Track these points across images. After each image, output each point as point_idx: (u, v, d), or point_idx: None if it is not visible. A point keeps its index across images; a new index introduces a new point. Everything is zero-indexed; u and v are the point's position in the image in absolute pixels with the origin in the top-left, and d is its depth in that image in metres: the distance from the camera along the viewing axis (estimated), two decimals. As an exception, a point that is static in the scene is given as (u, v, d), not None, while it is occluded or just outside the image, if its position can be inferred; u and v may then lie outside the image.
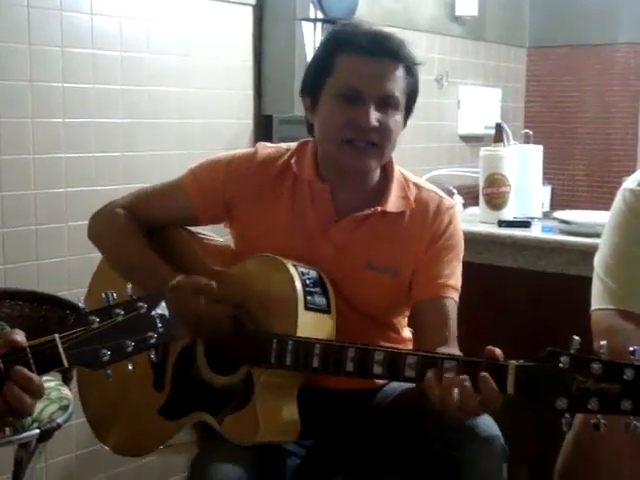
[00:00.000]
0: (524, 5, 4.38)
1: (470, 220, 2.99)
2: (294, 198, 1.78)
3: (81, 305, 1.21)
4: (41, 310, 2.31)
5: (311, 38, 3.00)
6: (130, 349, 1.20)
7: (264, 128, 3.05)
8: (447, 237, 1.77)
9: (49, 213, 2.49)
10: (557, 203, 3.24)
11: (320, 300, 1.65)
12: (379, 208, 1.75)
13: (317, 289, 1.65)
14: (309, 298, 1.62)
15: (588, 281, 2.56)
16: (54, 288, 2.42)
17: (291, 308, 1.60)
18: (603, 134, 4.29)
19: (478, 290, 2.83)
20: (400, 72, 1.69)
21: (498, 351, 1.41)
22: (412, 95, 1.74)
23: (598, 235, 2.50)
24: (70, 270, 2.53)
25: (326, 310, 1.65)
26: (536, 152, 2.87)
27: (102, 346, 1.19)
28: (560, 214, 2.69)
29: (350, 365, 1.52)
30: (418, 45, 3.74)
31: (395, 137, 1.71)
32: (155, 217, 1.85)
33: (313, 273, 1.68)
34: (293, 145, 1.85)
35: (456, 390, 1.38)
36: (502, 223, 2.72)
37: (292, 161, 1.79)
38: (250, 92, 3.04)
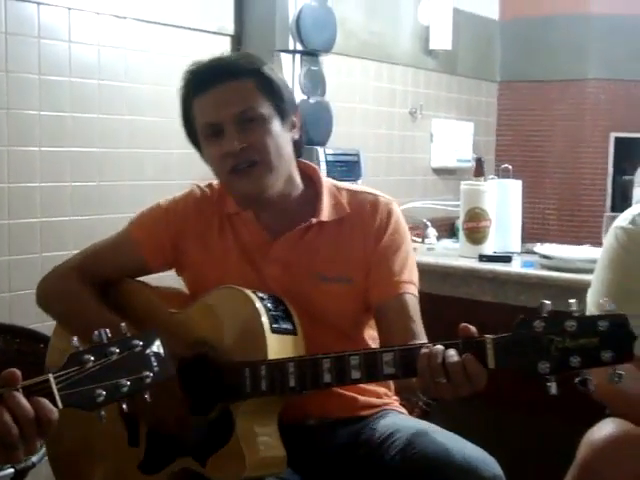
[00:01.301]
0: (495, 40, 4.42)
1: (445, 254, 2.98)
2: (231, 232, 1.77)
3: (75, 344, 1.17)
4: (14, 343, 2.25)
5: (290, 69, 2.99)
6: (125, 389, 1.16)
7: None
8: (390, 233, 1.75)
9: (23, 243, 2.43)
10: (527, 236, 3.24)
11: (285, 323, 1.61)
12: (314, 220, 1.73)
13: (279, 312, 1.62)
14: (274, 321, 1.59)
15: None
16: (27, 320, 2.35)
17: (258, 334, 1.56)
18: (573, 168, 4.33)
19: (456, 324, 2.82)
20: (245, 85, 1.67)
21: (472, 328, 1.40)
22: (276, 96, 1.70)
23: (579, 270, 2.52)
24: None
25: (292, 332, 1.62)
26: (515, 187, 2.87)
27: (97, 386, 1.15)
28: (541, 249, 2.69)
29: (327, 376, 1.49)
30: (393, 78, 3.78)
31: (277, 145, 1.68)
32: (105, 272, 1.82)
33: (273, 297, 1.65)
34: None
35: (445, 365, 1.37)
36: (483, 258, 2.71)
37: (217, 198, 1.80)
38: (227, 123, 3.01)
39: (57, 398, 1.13)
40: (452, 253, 2.93)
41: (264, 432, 1.59)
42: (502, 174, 2.95)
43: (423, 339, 1.65)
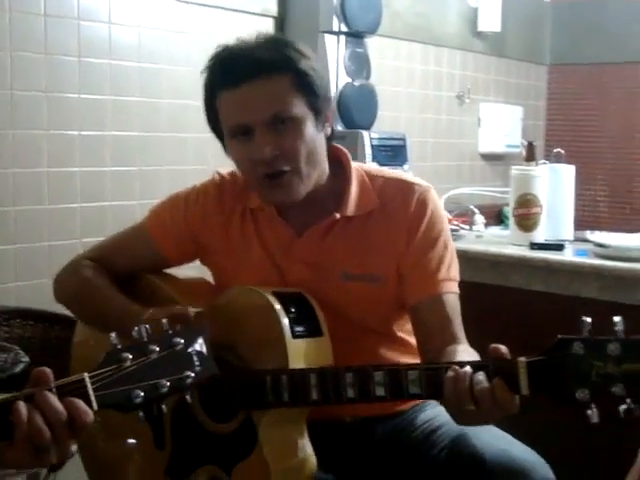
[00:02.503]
0: (546, 22, 4.31)
1: (495, 241, 2.89)
2: (253, 227, 1.67)
3: (113, 341, 1.10)
4: (53, 331, 2.22)
5: (334, 51, 2.92)
6: (165, 390, 1.09)
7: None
8: (425, 225, 1.59)
9: (63, 229, 2.40)
10: (578, 224, 3.14)
11: (308, 324, 1.51)
12: (337, 215, 1.60)
13: (302, 313, 1.52)
14: (295, 325, 1.49)
15: (623, 308, 2.47)
16: (67, 307, 2.33)
17: (278, 340, 1.46)
18: (626, 153, 4.21)
19: (508, 314, 2.74)
20: (279, 83, 1.51)
21: (503, 348, 1.28)
22: (314, 93, 1.54)
23: (635, 260, 2.42)
24: (83, 289, 2.43)
25: (316, 333, 1.52)
26: (568, 172, 2.77)
27: (135, 386, 1.08)
28: (594, 237, 2.59)
29: (351, 391, 1.39)
30: (440, 61, 3.69)
31: (309, 150, 1.53)
32: (123, 266, 1.74)
33: (295, 296, 1.55)
34: None
35: (473, 391, 1.25)
36: (534, 245, 2.62)
37: (240, 190, 1.68)
38: (270, 106, 2.95)
39: (92, 399, 1.07)
40: (502, 241, 2.84)
41: (289, 440, 1.51)
42: (554, 159, 2.85)
43: (463, 343, 1.54)
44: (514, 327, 2.51)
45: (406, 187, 1.62)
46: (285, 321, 1.48)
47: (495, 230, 3.21)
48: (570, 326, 2.65)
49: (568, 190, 2.78)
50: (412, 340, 1.68)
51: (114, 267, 1.73)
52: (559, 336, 1.21)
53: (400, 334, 1.69)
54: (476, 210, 3.26)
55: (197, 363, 1.12)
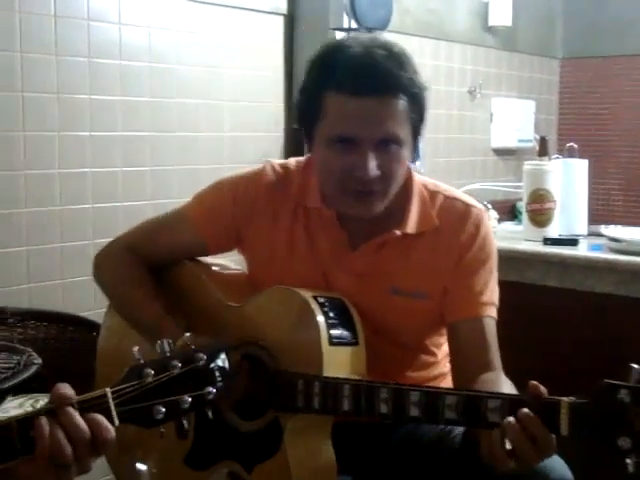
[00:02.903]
0: (557, 15, 4.28)
1: (508, 237, 2.88)
2: (305, 223, 1.64)
3: (136, 355, 1.10)
4: (67, 332, 2.22)
5: (345, 48, 2.90)
6: (187, 406, 1.09)
7: (295, 141, 2.96)
8: (477, 249, 1.60)
9: (75, 230, 2.39)
10: (592, 219, 3.13)
11: (345, 332, 1.51)
12: (397, 232, 1.59)
13: (341, 320, 1.51)
14: (333, 332, 1.48)
15: (638, 302, 2.45)
16: (80, 308, 2.33)
17: (314, 346, 1.46)
18: (639, 147, 4.17)
19: (522, 310, 2.73)
20: (399, 105, 1.47)
21: (542, 388, 1.26)
22: (419, 121, 1.53)
23: (650, 254, 2.41)
24: (96, 289, 2.42)
25: (353, 342, 1.51)
26: (581, 166, 2.75)
27: (157, 402, 1.08)
28: (609, 231, 2.58)
29: (384, 407, 1.37)
30: (451, 56, 3.67)
31: (401, 173, 1.53)
32: (162, 252, 1.73)
33: (335, 302, 1.54)
34: (302, 161, 1.69)
35: (512, 437, 1.22)
36: (548, 241, 2.61)
37: (297, 186, 1.64)
38: (281, 104, 2.95)
39: (114, 414, 1.07)
40: (515, 236, 2.83)
41: (313, 447, 1.51)
42: (567, 153, 2.83)
43: (499, 369, 1.54)
44: (529, 323, 2.50)
45: (463, 209, 1.62)
46: (323, 328, 1.47)
47: (508, 225, 3.20)
48: (584, 322, 2.63)
49: (581, 184, 2.77)
50: (439, 353, 1.70)
51: (152, 253, 1.72)
52: (605, 380, 1.19)
53: (430, 347, 1.70)
54: (489, 205, 3.25)
55: (219, 379, 1.11)
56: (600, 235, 2.63)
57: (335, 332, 1.48)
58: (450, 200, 1.64)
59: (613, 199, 4.23)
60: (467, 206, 1.63)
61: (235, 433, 1.55)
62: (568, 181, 2.71)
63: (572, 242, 2.60)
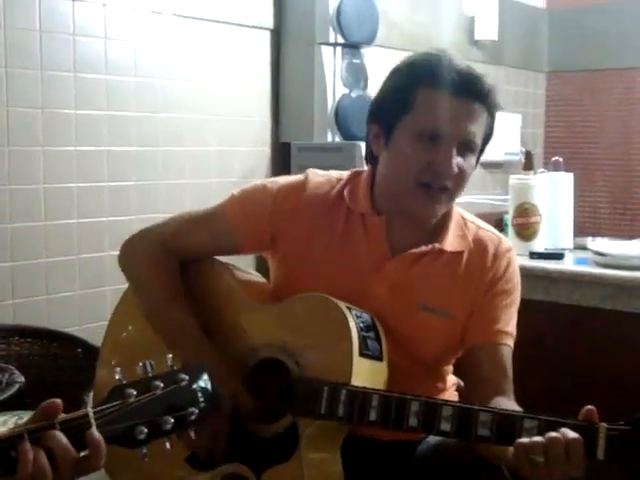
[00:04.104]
0: (542, 29, 4.30)
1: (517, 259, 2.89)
2: (346, 232, 1.66)
3: (117, 377, 1.10)
4: (52, 348, 2.22)
5: (331, 63, 2.91)
6: (169, 427, 1.09)
7: (282, 156, 2.96)
8: (505, 281, 1.66)
9: (60, 245, 2.39)
10: (578, 231, 3.14)
11: (374, 346, 1.52)
12: (437, 245, 1.64)
13: (371, 334, 1.53)
14: (364, 344, 1.49)
15: (623, 316, 2.46)
16: (65, 324, 2.33)
17: (345, 354, 1.46)
18: (625, 160, 4.19)
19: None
20: (484, 115, 1.58)
21: (595, 413, 1.28)
22: (489, 137, 1.64)
23: (636, 268, 2.41)
24: (81, 305, 2.43)
25: (379, 357, 1.53)
26: (566, 180, 2.77)
27: (139, 422, 1.08)
28: (594, 245, 2.58)
29: (414, 420, 1.38)
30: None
31: (468, 179, 1.61)
32: (193, 248, 1.72)
33: (366, 317, 1.55)
34: (344, 174, 1.72)
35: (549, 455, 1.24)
36: (534, 255, 2.61)
37: (345, 192, 1.67)
38: (267, 119, 2.95)
39: None
40: (501, 250, 2.83)
41: (327, 455, 1.50)
42: (552, 167, 2.84)
43: (512, 398, 1.56)
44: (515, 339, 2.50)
45: (497, 242, 1.69)
46: (356, 338, 1.48)
47: (495, 239, 3.20)
48: (572, 337, 2.63)
49: (567, 198, 2.78)
50: (448, 381, 1.74)
51: (182, 249, 1.71)
52: None
53: (443, 372, 1.73)
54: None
55: (201, 399, 1.12)
56: (586, 248, 2.64)
57: (365, 344, 1.50)
58: (483, 230, 1.71)
59: (599, 211, 4.25)
60: (499, 238, 1.71)
61: (248, 436, 1.54)
62: (553, 195, 2.72)
63: (558, 256, 2.61)
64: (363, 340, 1.49)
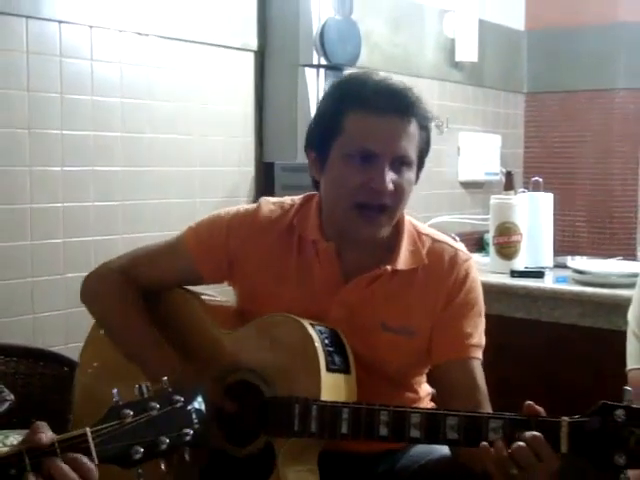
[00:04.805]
0: (522, 51, 4.36)
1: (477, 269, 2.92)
2: (300, 257, 1.69)
3: (115, 398, 1.13)
4: (37, 367, 2.22)
5: (314, 84, 2.95)
6: (164, 447, 1.12)
7: (265, 176, 2.99)
8: (465, 292, 1.66)
9: (46, 264, 2.39)
10: (557, 249, 3.19)
11: (340, 360, 1.55)
12: (388, 267, 1.65)
13: (336, 348, 1.56)
14: (330, 359, 1.52)
15: (603, 333, 2.50)
16: (50, 343, 2.33)
17: (313, 370, 1.49)
18: (603, 179, 4.24)
19: (490, 342, 2.76)
20: (413, 128, 1.58)
21: (539, 408, 1.32)
22: (425, 149, 1.64)
23: (615, 285, 2.45)
24: (67, 324, 2.43)
25: (346, 370, 1.55)
26: (546, 200, 2.81)
27: (135, 442, 1.11)
28: (574, 263, 2.63)
29: (384, 429, 1.42)
30: (419, 91, 3.72)
31: (408, 195, 1.62)
32: (155, 279, 1.76)
33: (330, 331, 1.58)
34: (297, 199, 1.76)
35: (520, 456, 1.28)
36: (514, 273, 2.65)
37: (294, 220, 1.70)
38: (251, 139, 2.98)
39: (94, 453, 1.09)
40: (482, 269, 2.87)
41: (304, 471, 1.53)
42: (532, 187, 2.89)
43: (488, 408, 1.58)
44: (496, 355, 2.53)
45: (453, 253, 1.68)
46: (323, 353, 1.51)
47: (476, 257, 3.23)
48: (553, 354, 2.67)
49: (547, 218, 2.82)
50: (421, 391, 1.76)
51: (145, 280, 1.74)
52: (602, 402, 1.26)
53: (414, 385, 1.75)
54: (457, 238, 3.28)
55: (196, 421, 1.15)
56: (566, 267, 2.68)
57: (331, 359, 1.53)
58: (438, 243, 1.70)
59: (578, 230, 4.30)
60: (456, 250, 1.70)
61: (226, 458, 1.56)
62: (534, 214, 2.76)
63: (538, 274, 2.65)
64: (329, 355, 1.52)
